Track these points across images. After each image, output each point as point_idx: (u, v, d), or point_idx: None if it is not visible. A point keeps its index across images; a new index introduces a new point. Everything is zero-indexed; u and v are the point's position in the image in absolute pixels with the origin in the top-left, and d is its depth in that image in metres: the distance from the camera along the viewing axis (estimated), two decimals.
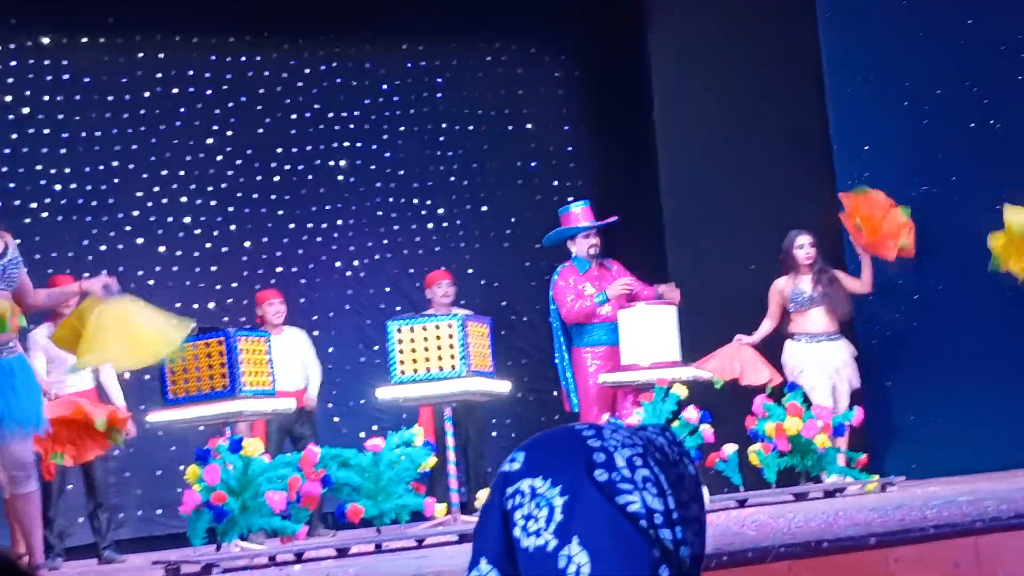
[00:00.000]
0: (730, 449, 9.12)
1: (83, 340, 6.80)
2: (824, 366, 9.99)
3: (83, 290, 6.93)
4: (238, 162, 11.89)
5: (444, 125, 12.66)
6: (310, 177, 12.14)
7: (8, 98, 11.21)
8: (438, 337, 8.10)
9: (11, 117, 11.20)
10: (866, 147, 10.78)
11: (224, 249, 11.73)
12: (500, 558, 1.47)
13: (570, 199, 12.54)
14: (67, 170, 11.30)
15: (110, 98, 11.55)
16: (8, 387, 6.34)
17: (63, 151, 11.32)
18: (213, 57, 11.96)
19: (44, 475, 9.09)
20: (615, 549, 1.41)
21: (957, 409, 10.12)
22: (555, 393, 11.62)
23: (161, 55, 11.78)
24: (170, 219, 11.58)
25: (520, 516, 1.46)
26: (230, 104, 11.94)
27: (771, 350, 10.09)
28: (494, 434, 11.38)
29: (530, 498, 1.46)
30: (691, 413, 8.78)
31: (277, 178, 12.01)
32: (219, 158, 11.82)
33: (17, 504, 6.55)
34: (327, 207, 12.14)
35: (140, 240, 11.41)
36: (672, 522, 1.44)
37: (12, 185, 10.97)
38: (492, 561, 1.47)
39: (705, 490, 8.20)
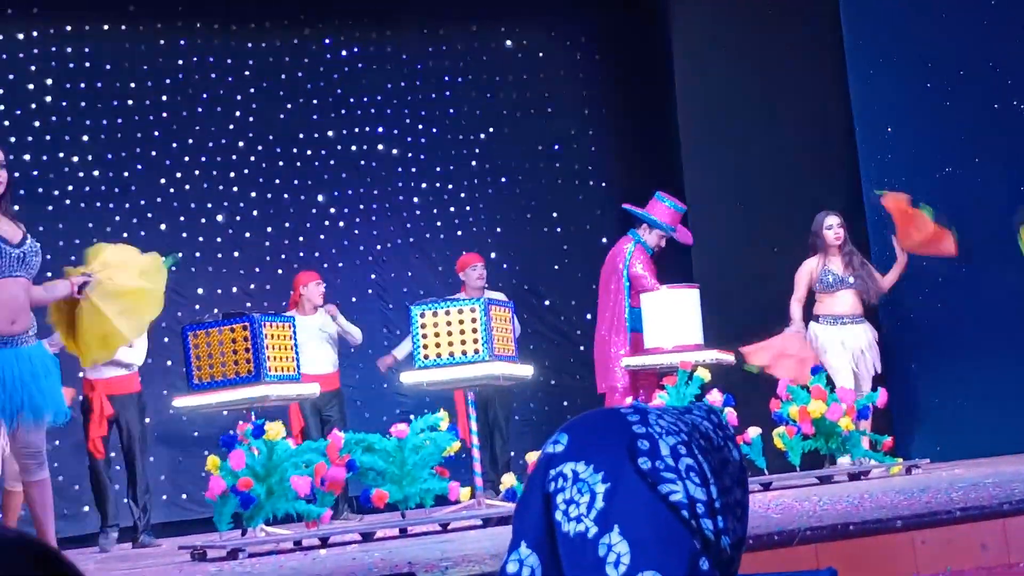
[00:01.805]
0: (754, 432, 9.11)
1: (80, 342, 6.90)
2: (847, 348, 9.96)
3: (73, 286, 6.92)
4: (260, 148, 11.90)
5: (466, 109, 12.66)
6: (332, 162, 12.15)
7: (30, 86, 11.23)
8: (461, 322, 8.10)
9: (33, 105, 11.22)
10: (889, 129, 10.74)
11: (247, 235, 11.74)
12: (540, 541, 1.46)
13: (590, 183, 12.59)
14: (89, 157, 11.33)
15: (132, 85, 11.56)
16: (28, 375, 6.35)
17: (85, 138, 11.35)
18: (234, 43, 11.97)
19: (94, 453, 9.31)
20: (655, 539, 1.40)
21: (981, 391, 10.09)
22: (577, 377, 11.66)
23: (182, 42, 11.79)
24: (192, 205, 11.60)
25: (562, 500, 1.45)
26: (252, 90, 11.95)
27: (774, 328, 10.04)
28: (517, 418, 11.38)
29: (572, 482, 1.45)
30: (715, 396, 8.78)
31: (299, 163, 12.03)
32: (241, 144, 11.84)
33: (32, 491, 6.56)
34: (349, 192, 12.15)
35: (163, 226, 11.43)
36: (714, 511, 1.43)
37: (35, 172, 10.99)
38: (532, 544, 1.46)
39: None
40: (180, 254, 7.76)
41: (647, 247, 9.92)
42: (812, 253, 10.11)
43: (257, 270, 11.71)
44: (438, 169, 12.50)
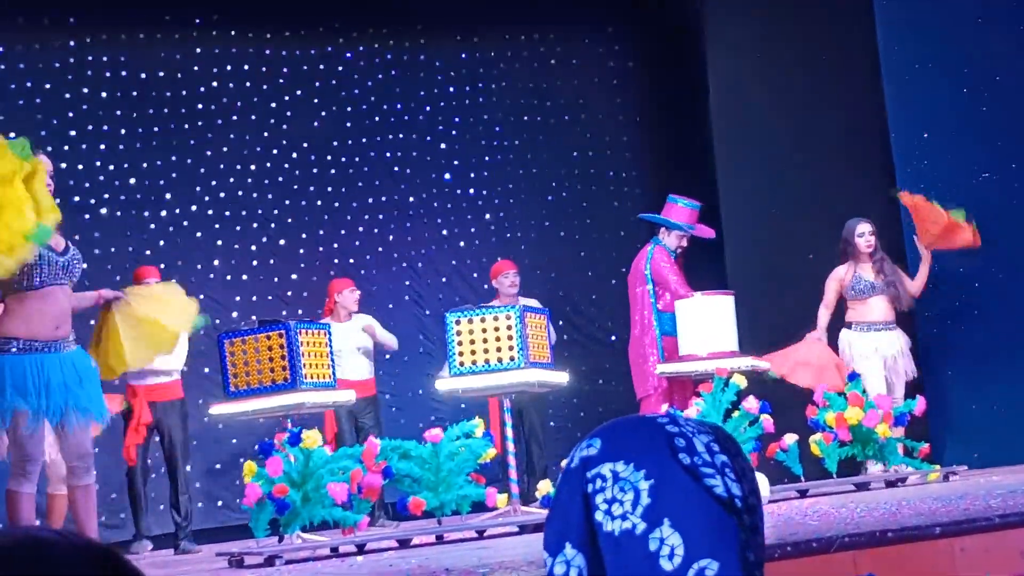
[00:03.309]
0: (791, 439, 9.09)
1: (104, 354, 6.97)
2: (879, 355, 9.91)
3: (101, 298, 7.05)
4: (295, 155, 11.93)
5: (499, 116, 12.67)
6: (366, 169, 12.17)
7: (67, 95, 11.29)
8: (496, 328, 8.11)
9: (70, 114, 11.28)
10: (925, 135, 10.70)
11: (282, 242, 11.77)
12: (584, 541, 1.48)
13: (625, 189, 12.60)
14: (125, 165, 11.38)
15: (168, 94, 11.61)
16: (72, 379, 6.43)
17: (121, 147, 11.40)
18: (268, 52, 12.01)
19: (127, 460, 9.37)
20: (707, 530, 1.42)
21: (1018, 398, 10.03)
22: (613, 383, 11.63)
23: (217, 50, 11.84)
24: (227, 213, 11.64)
25: (602, 500, 1.46)
26: (286, 98, 11.98)
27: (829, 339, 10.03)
28: (552, 424, 11.37)
29: (612, 482, 1.46)
30: (751, 403, 8.76)
31: (334, 171, 12.06)
32: (275, 152, 11.87)
33: (77, 496, 6.63)
34: (384, 199, 12.17)
35: (199, 234, 11.47)
36: (750, 507, 1.46)
37: (71, 181, 11.04)
38: (577, 545, 1.48)
39: (764, 479, 8.21)
40: (209, 321, 7.83)
41: (669, 249, 9.94)
42: (842, 260, 10.07)
43: (293, 277, 11.74)
44: (472, 176, 12.52)
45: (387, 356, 10.89)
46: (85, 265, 7.10)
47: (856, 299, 9.99)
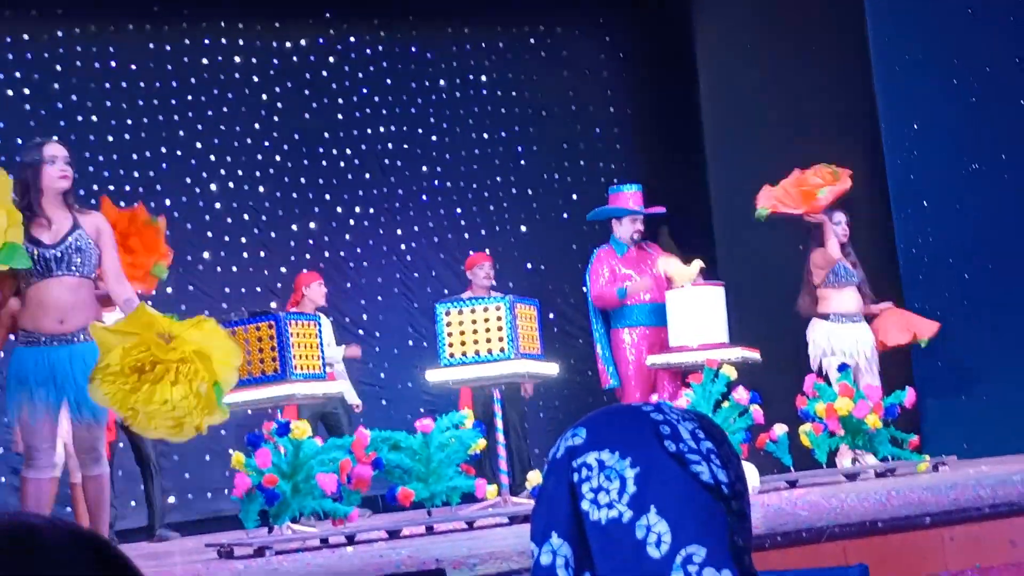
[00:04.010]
0: (780, 430, 9.09)
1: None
2: (852, 348, 9.86)
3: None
4: (285, 147, 11.93)
5: (490, 108, 12.67)
6: (357, 162, 12.17)
7: (56, 86, 11.27)
8: (486, 320, 8.10)
9: (59, 105, 11.26)
10: (915, 125, 10.71)
11: (272, 234, 11.77)
12: (571, 531, 1.47)
13: (615, 181, 12.58)
14: (115, 156, 11.36)
15: (156, 85, 11.60)
16: (80, 373, 6.41)
17: (110, 138, 11.38)
18: (259, 43, 12.00)
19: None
20: (694, 516, 1.41)
21: (1008, 388, 10.05)
22: None
23: (207, 41, 11.83)
24: (218, 205, 11.64)
25: (588, 489, 1.46)
26: (277, 89, 11.98)
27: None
28: (541, 415, 11.38)
29: (598, 471, 1.46)
30: (741, 394, 8.76)
31: (324, 163, 12.05)
32: (266, 143, 11.86)
33: (88, 486, 6.64)
34: (374, 191, 12.17)
35: (188, 226, 11.46)
36: (736, 493, 1.45)
37: None
38: (563, 535, 1.47)
39: (754, 470, 8.22)
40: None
41: (617, 243, 9.88)
42: (814, 246, 9.99)
43: (283, 270, 11.72)
44: (462, 168, 12.51)
45: (376, 349, 10.88)
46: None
47: (832, 286, 9.89)
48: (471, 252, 11.67)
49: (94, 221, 6.70)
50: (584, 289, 9.94)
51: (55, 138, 6.74)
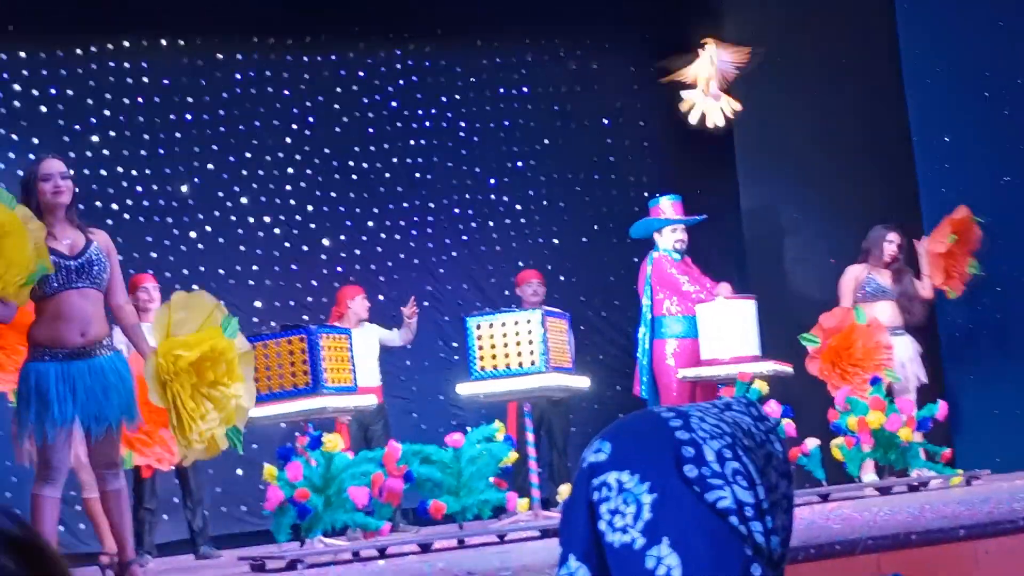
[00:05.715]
0: (812, 443, 9.06)
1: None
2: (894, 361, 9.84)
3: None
4: (316, 161, 11.95)
5: (520, 121, 12.68)
6: (387, 175, 12.19)
7: (89, 101, 11.32)
8: (517, 333, 8.09)
9: (93, 120, 11.31)
10: (946, 138, 10.67)
11: (304, 248, 11.79)
12: (588, 553, 1.45)
13: (646, 195, 12.57)
14: (147, 171, 11.40)
15: (189, 99, 11.64)
16: (99, 387, 6.40)
17: (143, 152, 11.42)
18: (290, 57, 12.04)
19: (143, 471, 9.12)
20: (706, 551, 1.39)
21: None
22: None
23: (239, 56, 11.87)
24: (250, 219, 11.67)
25: (606, 510, 1.44)
26: (308, 103, 12.01)
27: None
28: (573, 430, 11.35)
29: (617, 492, 1.44)
30: (772, 407, 8.74)
31: (355, 176, 12.07)
32: (297, 157, 11.89)
33: (108, 499, 6.62)
34: (405, 204, 12.18)
35: (221, 240, 11.49)
36: (762, 512, 1.42)
37: (94, 186, 11.07)
38: (580, 557, 1.46)
39: None
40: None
41: (669, 252, 9.87)
42: (861, 260, 10.04)
43: (314, 283, 11.75)
44: (492, 181, 12.52)
45: (407, 362, 10.88)
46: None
47: (864, 301, 9.92)
48: (503, 266, 11.69)
49: (103, 237, 6.73)
50: (647, 291, 9.87)
51: (53, 157, 6.70)
